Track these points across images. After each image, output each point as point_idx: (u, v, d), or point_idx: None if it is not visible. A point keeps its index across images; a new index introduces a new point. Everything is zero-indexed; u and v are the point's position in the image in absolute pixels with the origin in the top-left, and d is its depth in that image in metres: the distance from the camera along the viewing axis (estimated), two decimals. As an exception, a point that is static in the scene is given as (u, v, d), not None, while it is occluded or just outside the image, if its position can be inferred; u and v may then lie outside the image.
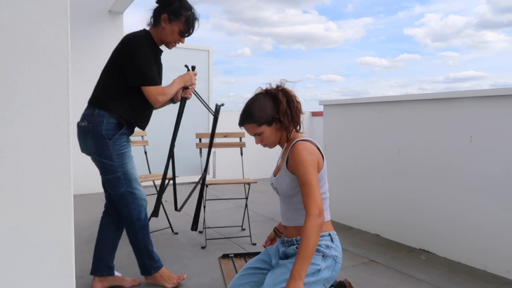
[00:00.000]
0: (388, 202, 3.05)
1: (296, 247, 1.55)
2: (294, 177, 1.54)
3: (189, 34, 2.13)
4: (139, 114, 2.09)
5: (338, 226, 3.42)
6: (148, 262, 2.15)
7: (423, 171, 2.76)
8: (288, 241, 1.62)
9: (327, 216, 1.59)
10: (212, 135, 2.44)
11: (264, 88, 1.67)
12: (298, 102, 1.64)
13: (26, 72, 0.85)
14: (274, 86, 1.66)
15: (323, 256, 1.51)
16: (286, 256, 1.61)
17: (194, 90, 2.24)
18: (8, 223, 0.85)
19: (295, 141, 1.58)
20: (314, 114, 6.43)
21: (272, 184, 1.69)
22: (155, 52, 2.11)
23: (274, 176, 1.69)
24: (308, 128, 6.42)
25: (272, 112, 1.59)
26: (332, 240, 1.56)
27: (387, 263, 2.52)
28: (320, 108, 3.83)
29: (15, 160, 0.85)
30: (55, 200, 0.90)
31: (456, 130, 2.54)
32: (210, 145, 2.51)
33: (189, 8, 2.05)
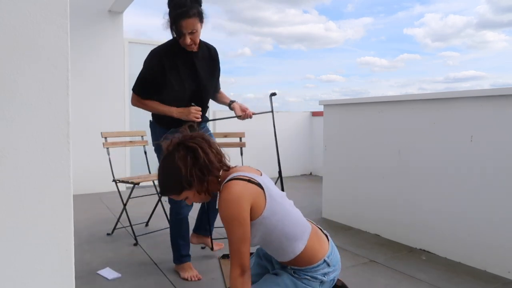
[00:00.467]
0: (388, 202, 3.05)
1: (292, 272, 1.51)
2: None
3: (180, 33, 2.08)
4: (161, 116, 2.28)
5: (338, 226, 3.42)
6: (174, 253, 2.40)
7: (423, 171, 2.76)
8: (283, 265, 1.58)
9: (317, 245, 1.49)
10: (275, 133, 2.56)
11: (165, 146, 1.46)
12: (205, 149, 1.40)
13: (26, 72, 0.85)
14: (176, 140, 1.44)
15: (320, 282, 1.49)
16: (282, 267, 1.58)
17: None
18: (8, 223, 0.85)
19: (222, 186, 1.38)
20: (314, 114, 6.43)
21: None
22: (176, 58, 2.20)
23: None
24: (308, 128, 6.42)
25: (179, 178, 1.37)
26: (328, 265, 1.50)
27: (387, 263, 2.52)
28: (320, 108, 3.83)
29: (15, 160, 0.85)
30: (55, 200, 0.89)
31: (456, 130, 2.54)
32: (277, 145, 2.61)
33: (178, 7, 2.02)
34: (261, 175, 1.50)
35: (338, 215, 3.57)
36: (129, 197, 3.10)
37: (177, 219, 2.36)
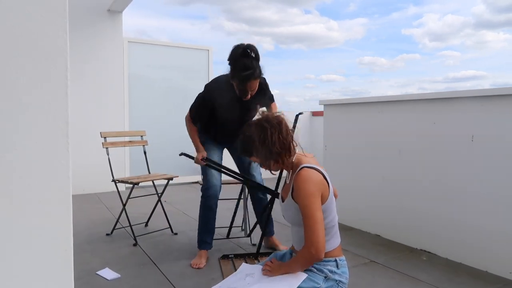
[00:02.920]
0: (388, 202, 3.04)
1: None
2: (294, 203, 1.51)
3: (244, 92, 2.29)
4: (209, 128, 2.60)
5: (339, 227, 3.40)
6: (198, 236, 2.59)
7: (424, 171, 2.75)
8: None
9: (336, 242, 1.58)
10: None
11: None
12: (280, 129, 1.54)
13: (25, 71, 0.85)
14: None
15: (325, 277, 1.51)
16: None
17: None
18: (7, 223, 0.84)
19: (299, 168, 1.50)
20: (314, 114, 6.42)
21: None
22: (226, 97, 2.39)
23: (282, 200, 1.65)
24: (308, 128, 6.41)
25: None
26: (337, 266, 1.54)
27: (387, 264, 2.51)
28: (320, 108, 3.83)
29: (13, 160, 0.84)
30: (54, 200, 0.89)
31: (457, 130, 2.53)
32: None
33: (242, 69, 2.18)
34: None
35: (339, 216, 3.54)
36: (128, 197, 3.09)
37: (205, 200, 2.55)
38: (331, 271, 1.52)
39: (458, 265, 2.48)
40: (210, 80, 2.57)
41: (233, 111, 2.42)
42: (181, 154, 2.65)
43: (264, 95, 2.54)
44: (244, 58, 2.16)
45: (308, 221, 1.42)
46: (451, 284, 2.21)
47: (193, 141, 2.58)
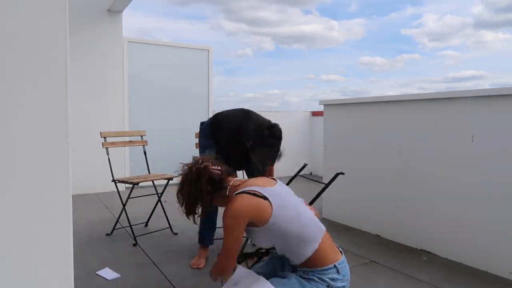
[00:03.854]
0: (388, 202, 3.04)
1: (302, 272, 1.55)
2: (252, 229, 1.56)
3: (266, 166, 2.42)
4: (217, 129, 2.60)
5: (339, 227, 3.41)
6: (199, 233, 2.64)
7: (424, 171, 2.75)
8: (294, 266, 1.62)
9: (312, 248, 1.54)
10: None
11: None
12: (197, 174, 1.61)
13: (25, 71, 0.84)
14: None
15: (328, 286, 1.50)
16: (292, 270, 1.63)
17: None
18: (6, 224, 0.84)
19: (232, 197, 1.56)
20: (314, 114, 6.42)
21: None
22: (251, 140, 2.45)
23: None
24: (308, 128, 6.41)
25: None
26: (338, 272, 1.53)
27: (387, 264, 2.51)
28: (320, 108, 3.83)
29: (13, 160, 0.84)
30: (54, 200, 0.89)
31: (457, 130, 2.53)
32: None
33: (266, 147, 2.31)
34: (274, 184, 1.63)
35: (339, 216, 3.56)
36: (128, 197, 3.09)
37: None
38: (333, 279, 1.51)
39: (458, 265, 2.48)
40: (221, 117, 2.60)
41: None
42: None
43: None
44: (269, 137, 2.32)
45: (225, 244, 1.53)
46: (451, 284, 2.21)
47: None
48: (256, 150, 2.31)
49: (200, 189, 1.59)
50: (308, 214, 1.61)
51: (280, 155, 2.37)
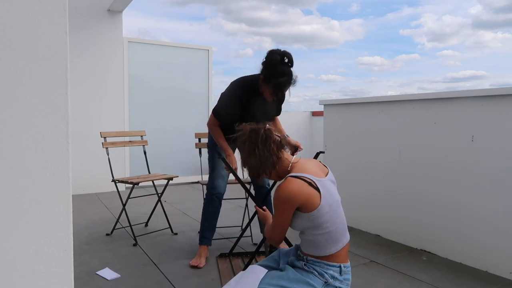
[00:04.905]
0: (388, 202, 3.04)
1: (304, 263, 1.56)
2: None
3: (279, 96, 2.36)
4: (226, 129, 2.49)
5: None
6: (200, 233, 2.64)
7: (424, 171, 2.75)
8: (300, 255, 1.62)
9: (334, 248, 1.55)
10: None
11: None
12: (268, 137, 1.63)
13: (25, 71, 0.84)
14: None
15: (325, 282, 1.50)
16: (292, 265, 1.62)
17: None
18: (6, 224, 0.84)
19: (285, 178, 1.59)
20: (314, 114, 6.42)
21: None
22: (249, 95, 2.44)
23: None
24: (308, 128, 6.41)
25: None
26: (340, 273, 1.53)
27: (387, 264, 2.51)
28: (320, 108, 3.82)
29: (13, 160, 0.84)
30: (54, 200, 0.89)
31: (457, 130, 2.53)
32: None
33: (280, 75, 2.22)
34: (327, 174, 1.66)
35: (338, 215, 3.56)
36: (128, 197, 3.09)
37: (210, 196, 2.59)
38: (332, 277, 1.51)
39: (458, 265, 2.48)
40: (235, 80, 2.54)
41: (259, 111, 2.45)
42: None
43: (279, 103, 2.64)
44: (283, 65, 2.25)
45: (274, 219, 1.59)
46: (451, 284, 2.21)
47: (222, 146, 2.51)
48: (272, 80, 2.25)
49: (269, 150, 1.61)
50: (342, 217, 1.65)
51: (295, 81, 2.32)
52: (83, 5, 4.76)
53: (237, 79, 2.54)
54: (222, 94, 2.58)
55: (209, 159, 2.64)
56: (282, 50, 2.27)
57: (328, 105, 3.66)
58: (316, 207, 1.50)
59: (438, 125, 2.65)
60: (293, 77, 2.27)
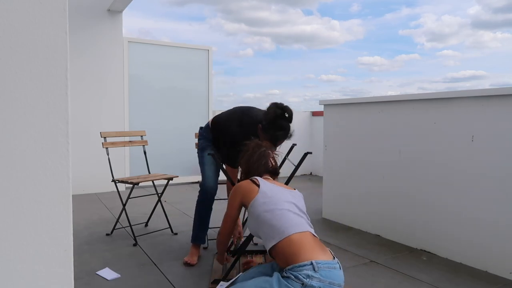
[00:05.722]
0: (388, 202, 3.04)
1: (284, 272, 1.57)
2: (248, 217, 1.87)
3: (274, 145, 2.41)
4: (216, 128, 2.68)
5: (339, 227, 3.41)
6: (193, 232, 2.69)
7: (424, 171, 2.75)
8: (280, 268, 1.66)
9: (290, 230, 1.64)
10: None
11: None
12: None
13: (25, 71, 0.84)
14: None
15: (302, 284, 1.48)
16: (279, 270, 1.66)
17: None
18: (7, 224, 0.84)
19: None
20: (314, 114, 6.42)
21: None
22: (244, 135, 2.45)
23: None
24: (308, 128, 6.41)
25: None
26: (314, 269, 1.49)
27: (387, 264, 2.51)
28: (320, 108, 3.82)
29: (13, 160, 0.84)
30: (54, 200, 0.89)
31: (457, 130, 2.53)
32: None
33: (278, 129, 2.34)
34: (281, 185, 1.93)
35: (339, 216, 3.56)
36: (128, 197, 3.09)
37: (200, 195, 2.68)
38: (307, 276, 1.48)
39: (458, 265, 2.48)
40: (236, 113, 2.61)
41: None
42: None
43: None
44: (282, 119, 2.36)
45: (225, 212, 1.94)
46: (451, 284, 2.21)
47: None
48: (270, 132, 2.34)
49: (257, 164, 1.98)
50: (291, 214, 1.72)
51: (290, 135, 2.44)
52: (83, 5, 4.75)
53: (238, 116, 2.57)
54: (220, 118, 2.64)
55: (199, 162, 2.69)
56: (284, 105, 2.41)
57: (328, 105, 3.66)
58: (253, 198, 1.78)
59: (438, 125, 2.65)
60: (290, 131, 2.42)
